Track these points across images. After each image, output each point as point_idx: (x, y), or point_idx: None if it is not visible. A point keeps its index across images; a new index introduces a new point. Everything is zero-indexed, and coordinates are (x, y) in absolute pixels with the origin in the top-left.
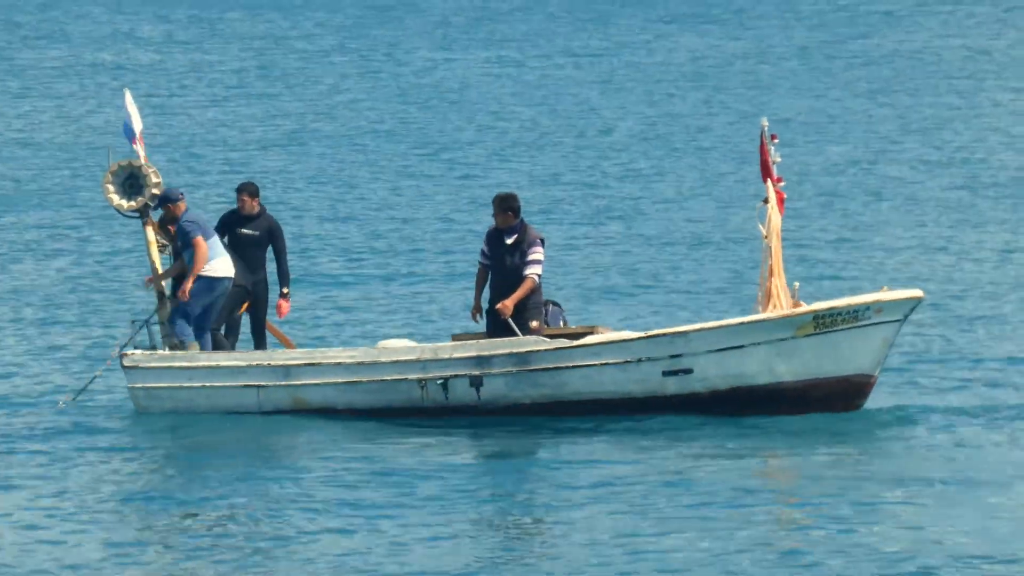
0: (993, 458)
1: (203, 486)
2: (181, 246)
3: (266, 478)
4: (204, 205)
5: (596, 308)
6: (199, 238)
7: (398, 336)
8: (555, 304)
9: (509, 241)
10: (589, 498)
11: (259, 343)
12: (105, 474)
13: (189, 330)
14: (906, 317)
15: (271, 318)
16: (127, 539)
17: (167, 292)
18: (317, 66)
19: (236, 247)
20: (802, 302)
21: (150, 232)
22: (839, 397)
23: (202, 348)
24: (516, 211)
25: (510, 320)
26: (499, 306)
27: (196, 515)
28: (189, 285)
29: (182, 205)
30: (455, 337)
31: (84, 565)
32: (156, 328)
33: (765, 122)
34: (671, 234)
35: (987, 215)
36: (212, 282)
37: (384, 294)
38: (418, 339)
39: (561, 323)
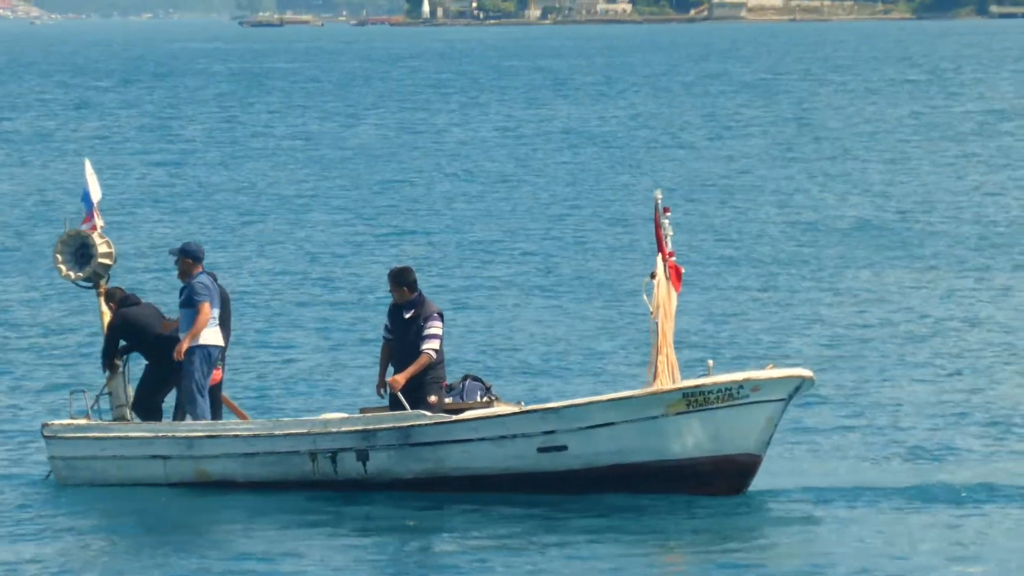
0: (877, 541)
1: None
2: (182, 303)
3: (177, 556)
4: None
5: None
6: (206, 304)
7: (341, 409)
8: (475, 378)
9: (407, 316)
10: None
11: (215, 413)
12: (20, 549)
13: (206, 408)
14: (791, 397)
15: (224, 391)
16: None
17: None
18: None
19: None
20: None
21: (103, 303)
22: (724, 476)
23: (202, 416)
24: (411, 286)
25: (399, 395)
26: (390, 380)
27: None
28: (185, 346)
29: (200, 266)
30: (363, 410)
31: None
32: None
33: (659, 194)
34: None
35: (878, 289)
36: (209, 351)
37: (334, 363)
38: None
39: (479, 396)
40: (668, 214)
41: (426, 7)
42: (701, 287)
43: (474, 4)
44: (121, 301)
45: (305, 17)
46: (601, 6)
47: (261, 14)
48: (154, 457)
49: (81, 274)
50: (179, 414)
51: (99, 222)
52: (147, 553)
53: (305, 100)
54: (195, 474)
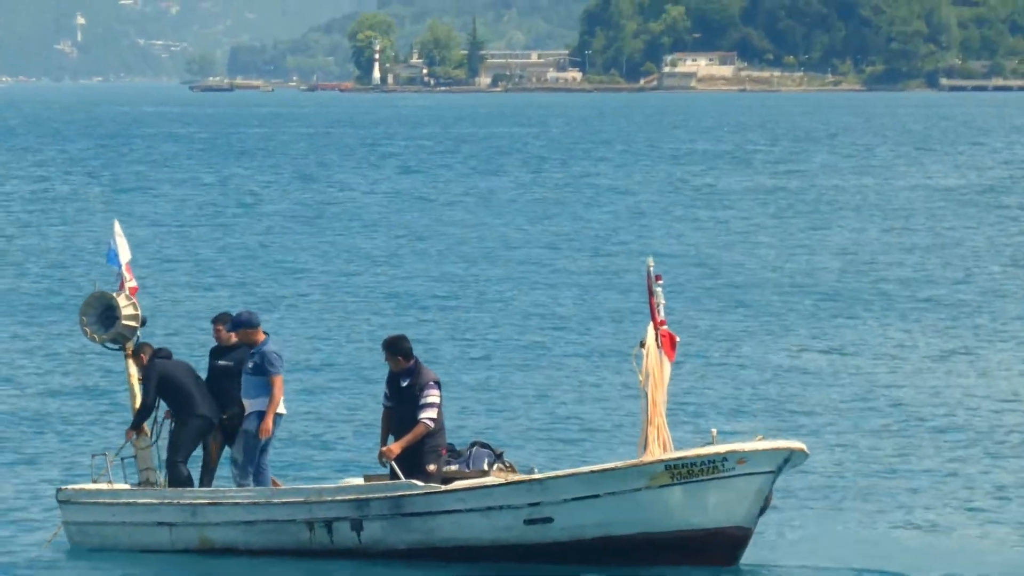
0: None
1: None
2: (251, 371)
3: None
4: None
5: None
6: (280, 377)
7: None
8: (483, 445)
9: (404, 384)
10: None
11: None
12: None
13: (251, 475)
14: (780, 469)
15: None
16: None
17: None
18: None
19: (210, 378)
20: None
21: (131, 365)
22: (713, 549)
23: (257, 483)
24: (406, 354)
25: (393, 464)
26: (384, 449)
27: None
28: (270, 424)
29: (261, 333)
30: (367, 478)
31: None
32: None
33: (651, 262)
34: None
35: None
36: (277, 419)
37: (354, 426)
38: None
39: (485, 464)
40: (660, 282)
41: (376, 73)
42: (700, 355)
43: (424, 71)
44: (154, 353)
45: (255, 82)
46: (551, 74)
47: (211, 78)
48: (160, 524)
49: (106, 336)
50: (207, 479)
51: (131, 283)
52: None
53: (303, 163)
54: (199, 541)
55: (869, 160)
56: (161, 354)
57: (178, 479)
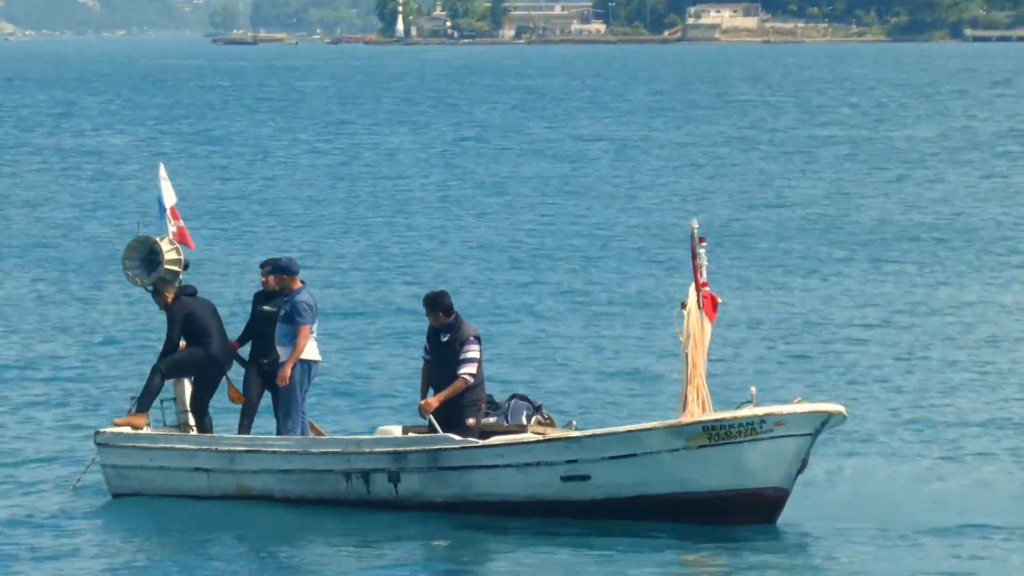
0: None
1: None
2: (283, 318)
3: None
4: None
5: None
6: (307, 327)
7: (397, 423)
8: (521, 397)
9: (444, 339)
10: None
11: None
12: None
13: (298, 424)
14: (817, 431)
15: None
16: None
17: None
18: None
19: (252, 322)
20: (758, 407)
21: None
22: (750, 510)
23: (294, 431)
24: (447, 310)
25: (431, 417)
26: (423, 403)
27: None
28: (288, 371)
29: (297, 279)
30: (405, 429)
31: None
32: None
33: (695, 224)
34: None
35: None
36: (309, 366)
37: (392, 376)
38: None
39: (524, 416)
40: (703, 244)
41: (400, 26)
42: (742, 311)
43: (448, 24)
44: (179, 291)
45: (279, 35)
46: (575, 26)
47: (235, 32)
48: (198, 470)
49: (148, 280)
50: (246, 425)
51: (172, 228)
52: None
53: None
54: (237, 488)
55: (902, 111)
56: (187, 291)
57: (150, 383)
